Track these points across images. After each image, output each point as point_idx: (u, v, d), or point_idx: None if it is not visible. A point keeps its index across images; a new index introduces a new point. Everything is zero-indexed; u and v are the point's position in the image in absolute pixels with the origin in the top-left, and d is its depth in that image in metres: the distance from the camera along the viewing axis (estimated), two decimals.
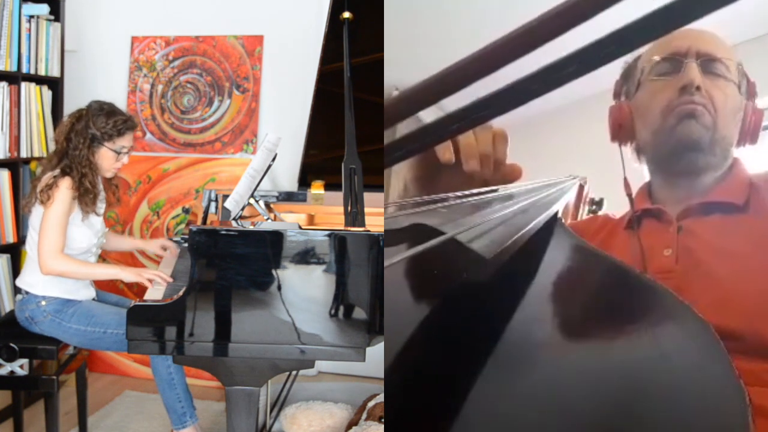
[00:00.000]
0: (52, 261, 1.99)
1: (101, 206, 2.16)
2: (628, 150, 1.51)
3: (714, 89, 1.36)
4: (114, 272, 2.08)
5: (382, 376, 0.63)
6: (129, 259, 3.09)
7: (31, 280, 2.09)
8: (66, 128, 2.08)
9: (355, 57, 2.12)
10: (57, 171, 2.04)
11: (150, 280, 1.96)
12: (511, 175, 1.34)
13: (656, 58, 1.44)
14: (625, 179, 1.48)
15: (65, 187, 2.01)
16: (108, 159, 2.10)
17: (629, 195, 1.48)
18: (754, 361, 1.11)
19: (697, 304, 0.80)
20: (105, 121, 2.06)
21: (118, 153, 2.10)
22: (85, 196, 2.04)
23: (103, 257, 3.06)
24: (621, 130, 1.51)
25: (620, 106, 1.52)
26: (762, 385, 1.06)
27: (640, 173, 1.56)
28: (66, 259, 2.02)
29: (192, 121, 3.20)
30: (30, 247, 2.11)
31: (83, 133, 2.05)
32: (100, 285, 2.29)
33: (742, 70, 1.41)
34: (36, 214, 2.07)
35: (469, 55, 0.71)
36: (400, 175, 1.37)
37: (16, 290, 2.18)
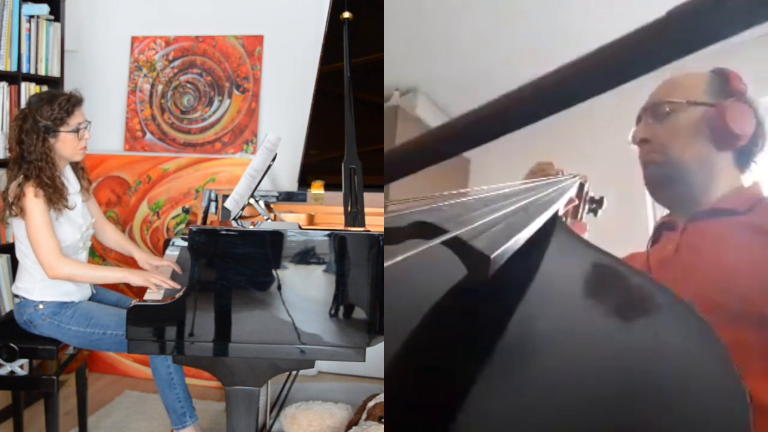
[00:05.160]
0: (56, 265, 1.97)
1: (74, 198, 2.10)
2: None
3: (662, 129, 1.53)
4: (122, 276, 2.05)
5: (382, 376, 0.63)
6: (130, 259, 3.09)
7: (25, 286, 2.08)
8: (15, 132, 2.03)
9: (355, 57, 2.12)
10: (20, 178, 2.00)
11: (157, 286, 1.93)
12: None
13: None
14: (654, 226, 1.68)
15: (31, 192, 1.97)
16: (70, 142, 2.06)
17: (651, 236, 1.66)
18: (743, 329, 1.19)
19: (690, 282, 0.82)
20: (50, 108, 2.01)
21: (77, 132, 2.06)
22: (48, 193, 1.99)
23: (103, 258, 3.06)
24: None
25: None
26: (748, 351, 1.10)
27: None
28: (70, 262, 2.01)
29: (192, 121, 3.20)
30: (20, 256, 2.10)
31: (34, 129, 2.00)
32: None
33: (708, 76, 1.52)
34: (17, 225, 2.04)
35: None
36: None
37: (14, 294, 2.17)
